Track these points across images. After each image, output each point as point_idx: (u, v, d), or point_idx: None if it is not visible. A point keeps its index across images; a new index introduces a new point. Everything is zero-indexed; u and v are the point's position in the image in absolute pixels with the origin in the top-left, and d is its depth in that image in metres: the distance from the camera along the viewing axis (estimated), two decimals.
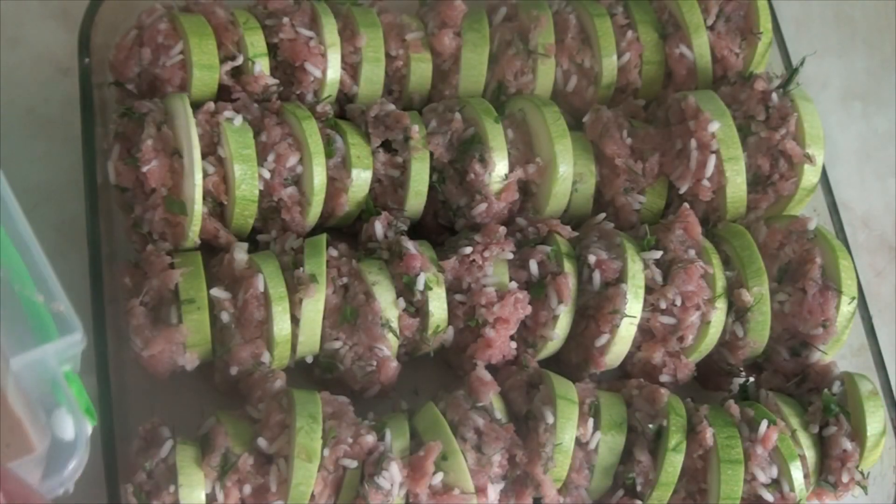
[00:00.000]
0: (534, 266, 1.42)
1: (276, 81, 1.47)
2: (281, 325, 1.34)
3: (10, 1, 1.62)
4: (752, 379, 1.54)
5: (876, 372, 1.49)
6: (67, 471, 0.81)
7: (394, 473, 1.27)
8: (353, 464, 1.27)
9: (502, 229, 1.45)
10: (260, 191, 1.40)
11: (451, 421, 1.33)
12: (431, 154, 1.47)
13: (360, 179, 1.45)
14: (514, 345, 1.43)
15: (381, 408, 1.41)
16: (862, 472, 1.42)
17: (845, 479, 1.40)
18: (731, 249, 1.49)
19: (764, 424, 1.37)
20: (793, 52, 1.66)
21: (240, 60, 1.45)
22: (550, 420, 1.32)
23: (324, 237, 1.40)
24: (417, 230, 1.52)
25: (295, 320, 1.35)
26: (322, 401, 1.30)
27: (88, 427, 0.85)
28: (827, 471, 1.41)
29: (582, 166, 1.52)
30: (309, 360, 1.40)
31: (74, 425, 0.82)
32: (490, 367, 1.41)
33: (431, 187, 1.48)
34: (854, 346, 1.52)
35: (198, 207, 1.35)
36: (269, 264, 1.36)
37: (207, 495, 1.25)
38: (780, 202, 1.55)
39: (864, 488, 1.43)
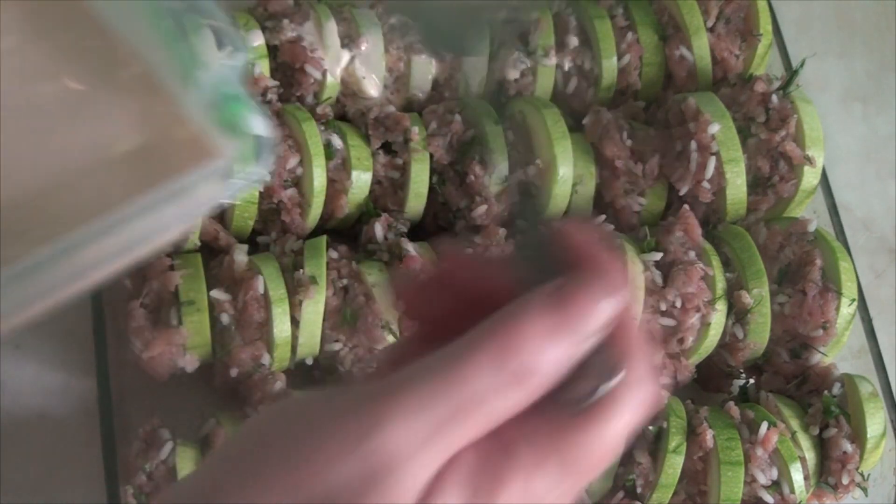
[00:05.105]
0: None
1: (276, 83, 1.47)
2: (281, 327, 1.34)
3: None
4: (752, 381, 1.53)
5: (876, 374, 1.48)
6: (266, 161, 0.86)
7: None
8: None
9: (502, 231, 1.45)
10: (260, 192, 1.40)
11: None
12: (431, 156, 1.47)
13: (360, 181, 1.45)
14: None
15: None
16: (862, 474, 1.41)
17: (845, 480, 1.40)
18: (731, 251, 1.48)
19: (764, 426, 1.37)
20: (793, 53, 1.66)
21: None
22: None
23: (324, 239, 1.39)
24: (417, 232, 1.52)
25: (295, 322, 1.35)
26: None
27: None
28: (827, 472, 1.41)
29: (582, 168, 1.51)
30: (309, 361, 1.40)
31: (264, 122, 0.87)
32: None
33: (431, 189, 1.48)
34: (854, 348, 1.52)
35: None
36: (269, 266, 1.36)
37: None
38: (780, 204, 1.54)
39: (865, 490, 1.43)
